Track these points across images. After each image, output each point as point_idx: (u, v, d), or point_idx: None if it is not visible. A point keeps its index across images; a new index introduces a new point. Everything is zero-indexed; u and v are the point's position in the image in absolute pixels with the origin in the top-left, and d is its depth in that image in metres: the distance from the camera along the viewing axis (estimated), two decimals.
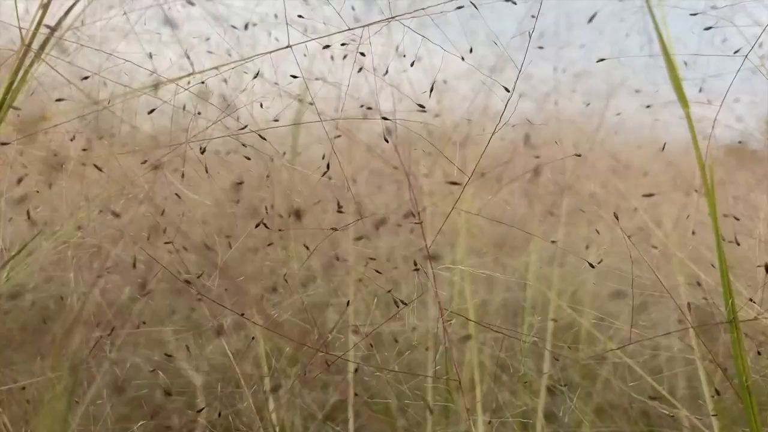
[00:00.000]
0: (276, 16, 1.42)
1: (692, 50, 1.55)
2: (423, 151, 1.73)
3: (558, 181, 1.88)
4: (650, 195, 1.46)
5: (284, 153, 1.55)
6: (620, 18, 1.82)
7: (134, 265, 1.20)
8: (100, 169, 1.22)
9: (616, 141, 2.08)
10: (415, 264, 1.19)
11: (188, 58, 1.45)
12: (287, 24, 1.15)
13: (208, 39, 1.49)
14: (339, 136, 1.40)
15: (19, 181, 1.20)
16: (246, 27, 1.35)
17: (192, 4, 1.24)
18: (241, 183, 1.41)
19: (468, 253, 1.87)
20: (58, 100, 1.22)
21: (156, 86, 1.15)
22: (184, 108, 1.34)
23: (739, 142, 1.70)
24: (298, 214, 1.18)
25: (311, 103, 1.42)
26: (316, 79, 1.48)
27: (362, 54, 1.20)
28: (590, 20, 1.65)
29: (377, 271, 1.33)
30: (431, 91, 1.29)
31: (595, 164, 1.86)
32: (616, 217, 1.27)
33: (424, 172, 1.82)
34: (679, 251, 1.64)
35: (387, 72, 1.29)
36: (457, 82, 1.97)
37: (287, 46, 1.17)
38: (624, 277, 1.56)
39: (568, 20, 2.01)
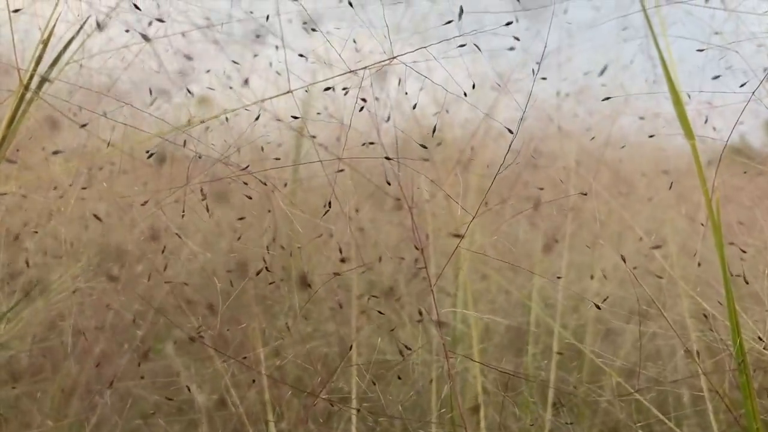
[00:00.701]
0: (277, 47, 1.40)
1: (696, 73, 1.54)
2: (425, 177, 1.71)
3: (562, 206, 1.86)
4: (657, 247, 1.44)
5: (285, 184, 1.54)
6: (624, 38, 1.81)
7: (134, 320, 1.19)
8: (99, 219, 1.21)
9: (619, 161, 2.07)
10: (420, 314, 1.18)
11: (189, 92, 1.43)
12: (288, 70, 1.13)
13: (208, 71, 1.48)
14: (342, 170, 1.38)
15: (16, 237, 1.18)
16: (246, 81, 1.34)
17: (191, 59, 1.23)
18: (242, 218, 1.41)
19: (471, 275, 1.86)
20: (55, 152, 1.21)
21: (151, 155, 1.14)
22: (184, 144, 1.33)
23: (745, 171, 1.68)
24: (304, 280, 1.17)
25: (313, 137, 1.41)
26: (318, 113, 1.47)
27: (364, 100, 1.19)
28: (601, 73, 1.64)
29: (380, 312, 1.31)
30: (434, 130, 1.28)
31: (599, 190, 1.84)
32: (624, 260, 1.26)
33: (427, 197, 1.80)
34: (685, 280, 1.62)
35: (389, 119, 1.27)
36: (459, 103, 1.96)
37: (288, 92, 1.16)
38: (630, 305, 1.55)
39: (570, 40, 1.99)
